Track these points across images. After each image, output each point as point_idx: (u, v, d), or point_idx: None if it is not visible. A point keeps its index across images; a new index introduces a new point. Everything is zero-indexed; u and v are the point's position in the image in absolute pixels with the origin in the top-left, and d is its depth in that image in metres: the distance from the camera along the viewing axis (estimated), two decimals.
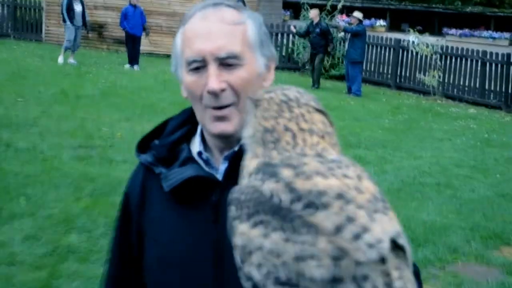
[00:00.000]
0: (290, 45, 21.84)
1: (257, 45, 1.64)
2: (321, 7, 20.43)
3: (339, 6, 22.41)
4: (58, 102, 12.51)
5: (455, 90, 19.34)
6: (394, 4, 29.99)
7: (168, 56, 20.84)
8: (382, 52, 21.21)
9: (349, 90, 17.96)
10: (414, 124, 14.04)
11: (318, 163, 1.21)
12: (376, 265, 1.14)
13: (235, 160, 1.55)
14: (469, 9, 27.76)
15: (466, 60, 19.35)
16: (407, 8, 28.30)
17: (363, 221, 1.15)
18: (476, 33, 24.94)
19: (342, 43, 20.95)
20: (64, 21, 18.26)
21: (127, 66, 18.48)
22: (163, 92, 14.15)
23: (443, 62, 19.49)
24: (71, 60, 18.02)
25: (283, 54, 21.70)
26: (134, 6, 18.59)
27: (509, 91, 18.31)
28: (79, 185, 7.35)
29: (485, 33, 24.70)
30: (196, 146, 1.70)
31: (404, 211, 7.43)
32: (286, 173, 1.19)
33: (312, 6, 21.35)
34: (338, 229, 1.14)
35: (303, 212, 1.14)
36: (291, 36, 21.80)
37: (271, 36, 21.45)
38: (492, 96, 18.75)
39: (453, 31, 24.97)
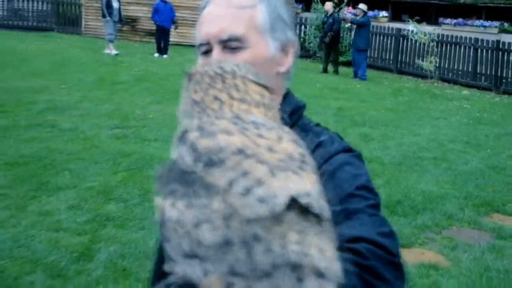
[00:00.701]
0: (302, 35, 21.74)
1: (267, 28, 1.49)
2: (329, 0, 20.32)
3: None
4: (96, 87, 12.53)
5: (450, 74, 19.28)
6: None
7: (193, 46, 20.91)
8: (385, 40, 21.16)
9: (355, 75, 17.87)
10: (413, 105, 13.95)
11: (230, 124, 0.99)
12: (269, 224, 0.91)
13: None
14: (462, 0, 27.50)
15: (460, 46, 19.33)
16: (407, 0, 28.05)
17: (258, 175, 0.93)
18: (469, 22, 24.63)
19: (349, 32, 20.85)
20: (104, 16, 18.31)
21: (156, 55, 18.58)
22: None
23: (439, 48, 19.43)
24: (108, 51, 18.06)
25: None
26: (165, 2, 18.66)
27: (499, 74, 18.29)
28: (116, 161, 7.38)
29: (477, 22, 24.37)
30: None
31: (404, 182, 7.46)
32: (192, 135, 0.99)
33: None
34: (230, 185, 0.93)
35: (202, 172, 0.94)
36: (302, 26, 21.72)
37: None
38: (483, 79, 18.68)
39: (448, 20, 24.67)
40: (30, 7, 24.04)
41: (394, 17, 26.43)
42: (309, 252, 0.92)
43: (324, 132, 1.53)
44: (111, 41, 18.18)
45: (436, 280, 5.01)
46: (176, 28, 19.28)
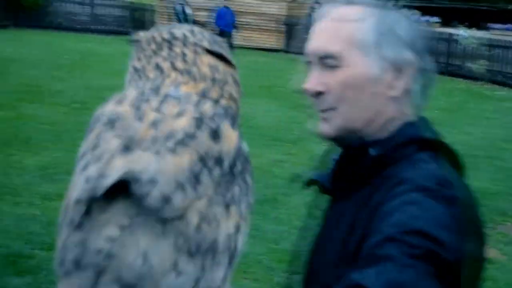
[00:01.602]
0: None
1: (371, 45, 1.23)
2: None
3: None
4: None
5: (500, 76, 18.76)
6: (446, 3, 29.40)
7: (256, 49, 21.26)
8: (437, 44, 20.77)
9: None
10: (465, 105, 13.63)
11: (137, 95, 0.87)
12: (92, 210, 0.77)
13: (341, 164, 1.31)
14: (510, 7, 26.86)
15: (509, 50, 18.80)
16: (457, 7, 27.56)
17: (104, 150, 0.80)
18: None
19: None
20: (178, 22, 18.49)
21: None
22: (253, 78, 14.10)
23: (489, 52, 18.92)
24: None
25: None
26: (227, 7, 18.78)
27: None
28: None
29: None
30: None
31: None
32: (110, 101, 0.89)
33: None
34: (80, 157, 0.83)
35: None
36: None
37: None
38: None
39: (497, 25, 24.08)
40: (109, 13, 24.42)
41: (445, 23, 25.95)
42: (122, 254, 0.75)
43: (429, 170, 1.20)
44: None
45: (492, 274, 4.84)
46: (237, 32, 19.33)
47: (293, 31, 21.61)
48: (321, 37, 1.27)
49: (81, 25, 23.99)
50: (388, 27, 1.25)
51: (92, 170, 0.79)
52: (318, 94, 1.26)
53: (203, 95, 0.92)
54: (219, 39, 1.02)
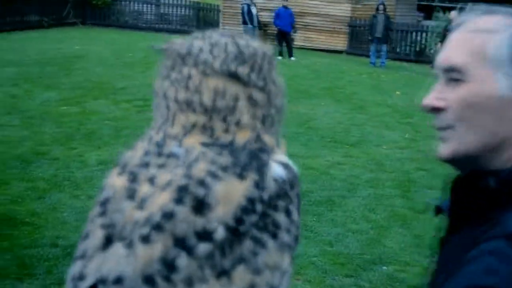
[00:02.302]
0: (423, 41, 21.14)
1: (503, 60, 1.05)
2: (450, 9, 19.64)
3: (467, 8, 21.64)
4: None
5: None
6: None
7: (318, 50, 21.18)
8: None
9: None
10: None
11: (141, 156, 0.93)
12: None
13: (456, 191, 1.14)
14: None
15: None
16: None
17: (88, 245, 0.88)
18: None
19: None
20: (244, 23, 18.58)
21: (279, 58, 18.58)
22: (314, 79, 14.04)
23: None
24: None
25: (417, 49, 21.10)
26: (285, 7, 18.69)
27: None
28: None
29: None
30: None
31: None
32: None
33: (443, 8, 20.64)
34: (81, 239, 0.92)
35: None
36: (424, 34, 21.11)
37: (406, 34, 20.80)
38: None
39: None
40: (175, 12, 24.72)
41: None
42: None
43: None
44: None
45: None
46: (295, 32, 19.24)
47: (357, 32, 21.42)
48: (449, 48, 1.13)
49: (147, 24, 24.40)
50: None
51: (76, 269, 0.88)
52: (437, 110, 1.12)
53: (208, 141, 0.90)
54: (248, 51, 0.96)
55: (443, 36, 17.94)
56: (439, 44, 18.03)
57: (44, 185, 6.02)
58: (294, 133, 8.62)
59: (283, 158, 0.96)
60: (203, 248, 0.82)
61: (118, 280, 0.81)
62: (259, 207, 0.86)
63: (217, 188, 0.85)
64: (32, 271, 4.32)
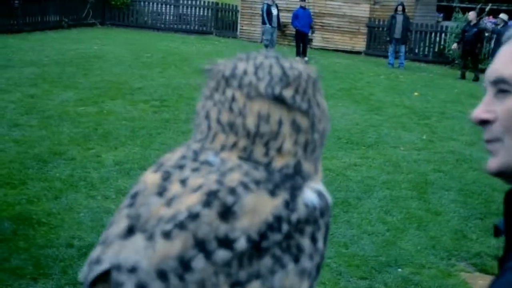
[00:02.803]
0: (442, 42, 20.99)
1: None
2: (469, 10, 19.50)
3: (487, 9, 21.44)
4: None
5: None
6: None
7: (336, 51, 21.15)
8: None
9: None
10: None
11: (178, 158, 0.92)
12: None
13: (508, 207, 1.09)
14: None
15: None
16: None
17: (111, 232, 0.88)
18: None
19: (488, 41, 19.91)
20: (263, 23, 18.53)
21: (297, 58, 18.55)
22: (333, 80, 14.01)
23: None
24: None
25: (436, 50, 20.95)
26: (304, 8, 18.61)
27: None
28: None
29: None
30: None
31: None
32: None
33: (463, 9, 20.49)
34: (107, 227, 0.93)
35: None
36: (443, 35, 20.96)
37: (425, 35, 20.62)
38: None
39: None
40: (193, 13, 24.77)
41: None
42: None
43: None
44: (266, 46, 18.32)
45: None
46: (313, 32, 19.18)
47: (376, 33, 21.33)
48: (498, 60, 1.11)
49: (165, 24, 24.48)
50: None
51: (95, 253, 0.88)
52: (485, 122, 1.10)
53: (245, 157, 0.90)
54: (292, 73, 0.94)
55: (460, 37, 17.84)
56: (455, 45, 17.92)
57: (61, 185, 6.05)
58: None
59: (319, 186, 0.95)
60: (221, 254, 0.82)
61: (133, 269, 0.82)
62: (285, 227, 0.86)
63: (246, 199, 0.85)
64: (47, 271, 4.34)
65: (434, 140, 9.23)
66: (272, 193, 0.86)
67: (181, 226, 0.82)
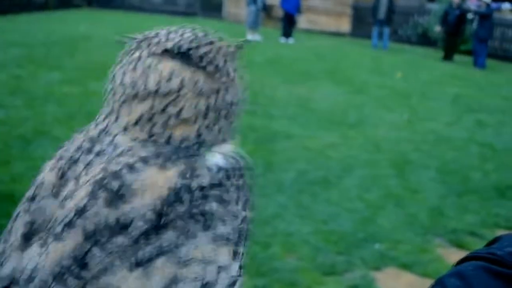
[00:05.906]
0: (426, 24, 21.01)
1: None
2: None
3: None
4: None
5: None
6: None
7: (322, 32, 21.17)
8: (506, 31, 20.08)
9: (475, 64, 17.06)
10: None
11: (73, 152, 0.91)
12: None
13: None
14: None
15: None
16: None
17: (8, 244, 0.85)
18: None
19: (471, 23, 19.95)
20: (248, 4, 18.48)
21: (283, 39, 18.52)
22: (316, 62, 14.00)
23: None
24: (251, 36, 18.22)
25: (419, 32, 20.97)
26: None
27: None
28: (244, 134, 7.40)
29: None
30: None
31: None
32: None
33: None
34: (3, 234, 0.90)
35: None
36: (427, 16, 20.96)
37: (409, 16, 20.60)
38: None
39: None
40: None
41: None
42: None
43: None
44: (251, 28, 18.27)
45: None
46: (299, 14, 19.23)
47: (361, 15, 21.30)
48: None
49: (152, 6, 24.33)
50: None
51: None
52: None
53: (147, 134, 0.88)
54: (205, 40, 0.92)
55: (442, 19, 17.85)
56: (438, 27, 17.94)
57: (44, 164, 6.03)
58: (293, 114, 8.63)
59: (226, 149, 0.94)
60: (117, 241, 0.79)
61: (30, 279, 0.79)
62: (186, 197, 0.83)
63: (133, 180, 0.82)
64: None
65: (415, 120, 9.28)
66: (163, 167, 0.83)
67: (69, 224, 0.80)
